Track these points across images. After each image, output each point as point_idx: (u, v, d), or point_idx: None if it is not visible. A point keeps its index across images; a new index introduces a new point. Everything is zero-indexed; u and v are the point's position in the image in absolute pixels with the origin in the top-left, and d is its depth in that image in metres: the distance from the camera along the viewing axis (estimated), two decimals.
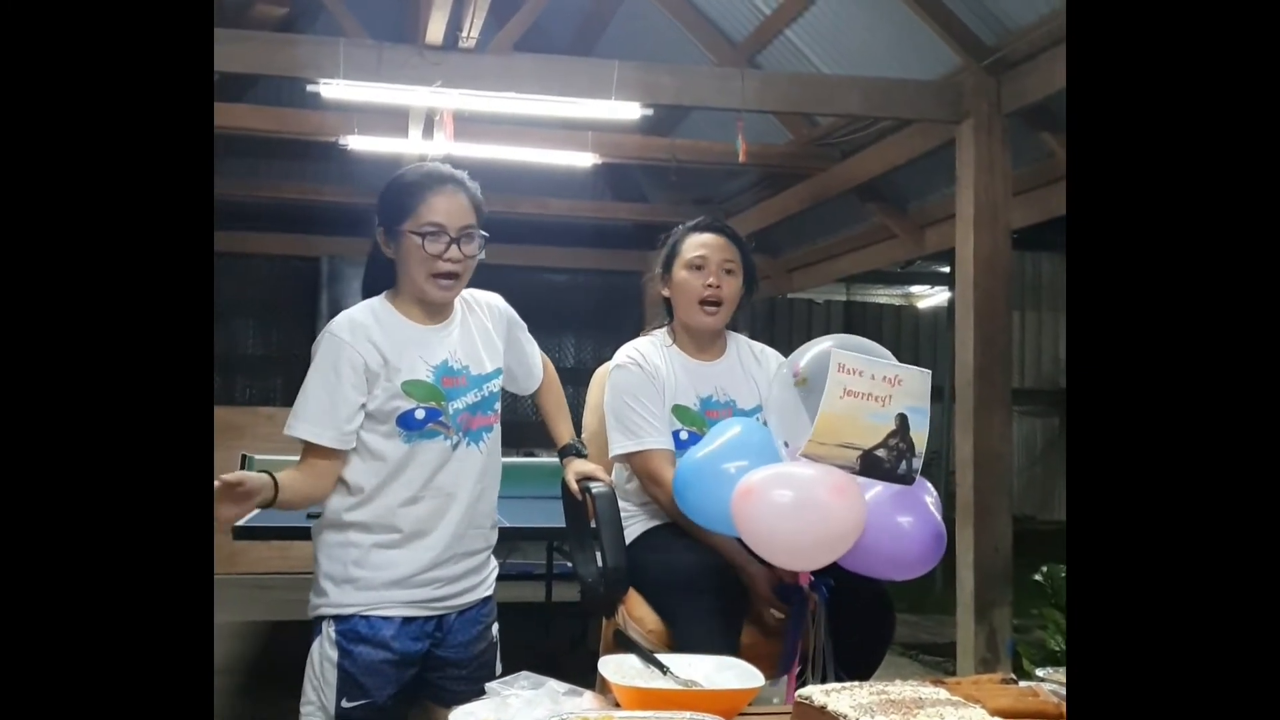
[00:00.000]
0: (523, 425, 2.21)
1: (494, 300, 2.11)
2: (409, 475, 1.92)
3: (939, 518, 1.98)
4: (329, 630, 1.90)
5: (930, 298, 9.63)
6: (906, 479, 1.87)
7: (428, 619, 1.95)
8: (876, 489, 1.90)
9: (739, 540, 2.18)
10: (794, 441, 1.93)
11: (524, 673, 1.61)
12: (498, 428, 2.05)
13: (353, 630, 1.88)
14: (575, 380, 8.46)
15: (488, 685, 1.55)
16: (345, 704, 1.88)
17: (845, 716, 1.33)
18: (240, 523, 3.63)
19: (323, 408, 1.88)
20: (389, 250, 1.96)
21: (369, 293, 2.02)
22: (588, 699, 1.53)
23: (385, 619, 1.90)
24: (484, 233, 1.98)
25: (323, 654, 1.90)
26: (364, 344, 1.90)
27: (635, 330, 2.50)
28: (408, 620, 1.92)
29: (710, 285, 2.32)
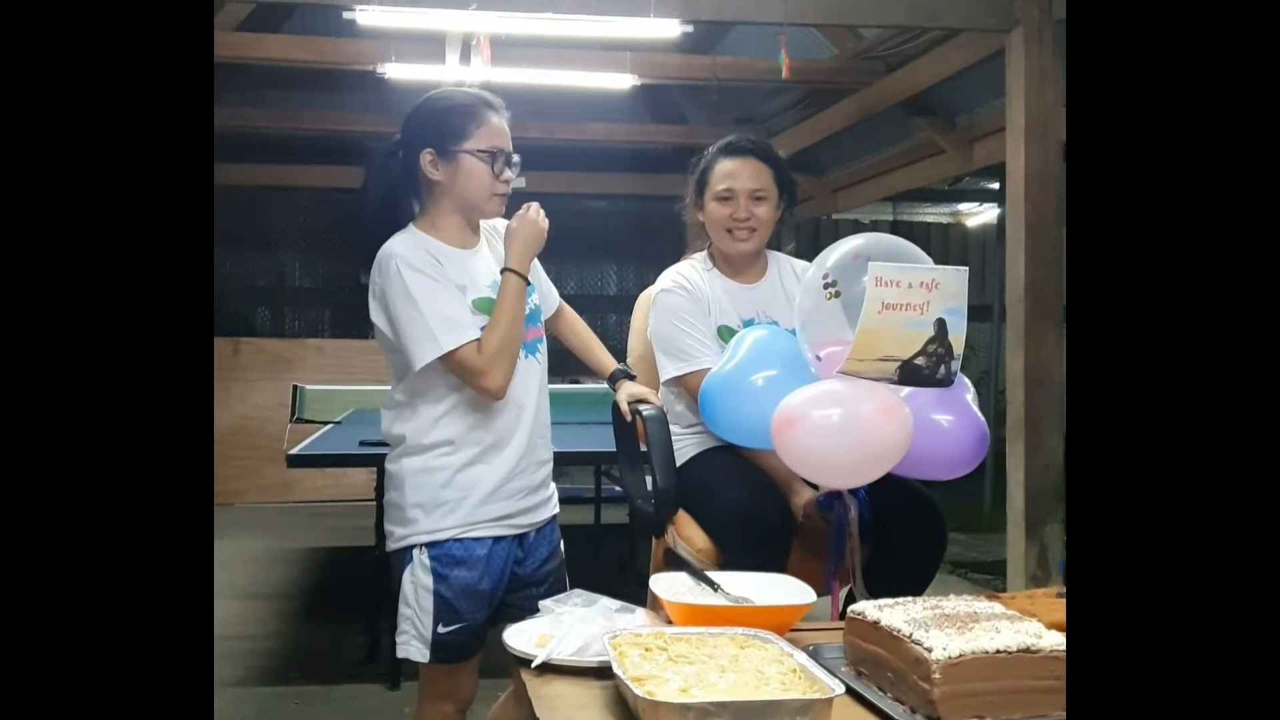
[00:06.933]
0: (566, 353, 2.21)
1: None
2: None
3: (979, 414, 1.96)
4: (422, 558, 1.92)
5: (978, 215, 9.42)
6: (945, 382, 1.84)
7: (514, 538, 1.99)
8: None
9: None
10: (825, 355, 1.91)
11: (577, 590, 1.62)
12: (545, 341, 2.09)
13: (447, 554, 1.91)
14: (618, 308, 8.45)
15: (541, 603, 1.57)
16: (441, 629, 1.91)
17: (899, 631, 1.33)
18: (293, 451, 3.73)
19: (453, 311, 1.87)
20: (436, 173, 1.95)
21: (388, 222, 1.98)
22: (640, 615, 1.55)
23: (477, 540, 1.93)
24: (518, 156, 2.00)
25: (416, 582, 1.92)
26: (435, 263, 1.91)
27: (677, 255, 2.47)
28: (498, 540, 1.96)
29: (737, 219, 2.29)
